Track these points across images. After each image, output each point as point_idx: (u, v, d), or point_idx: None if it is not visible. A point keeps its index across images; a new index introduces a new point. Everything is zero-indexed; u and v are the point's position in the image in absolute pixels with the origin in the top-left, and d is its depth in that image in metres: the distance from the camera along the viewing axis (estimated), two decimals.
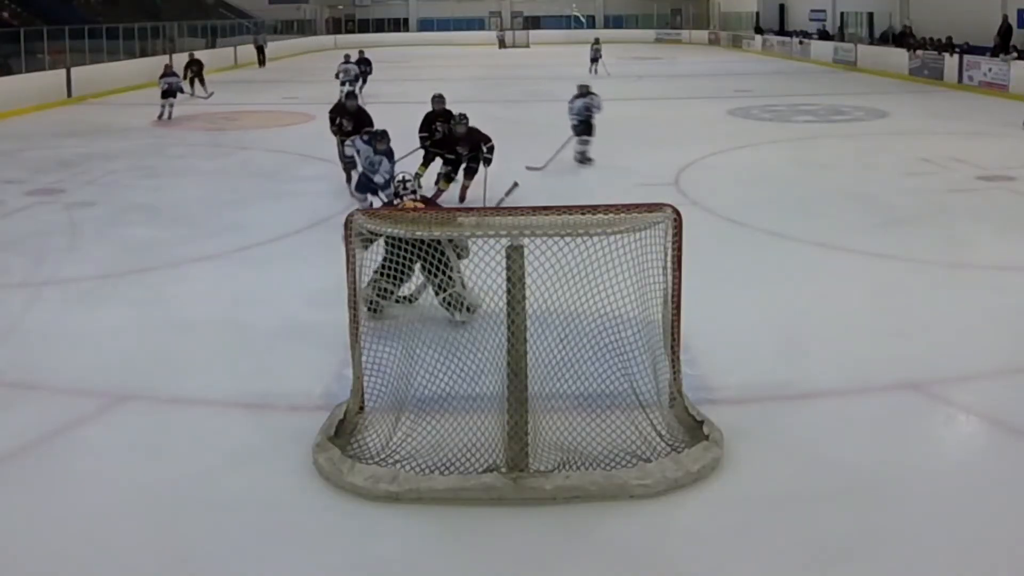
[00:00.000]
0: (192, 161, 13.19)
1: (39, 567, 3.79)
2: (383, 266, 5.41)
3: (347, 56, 21.57)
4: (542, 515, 4.04)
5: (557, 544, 3.86)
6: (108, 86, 22.33)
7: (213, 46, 32.67)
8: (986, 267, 7.58)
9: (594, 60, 27.96)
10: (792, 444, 4.63)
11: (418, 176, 10.18)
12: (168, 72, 17.98)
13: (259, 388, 5.34)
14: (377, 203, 8.67)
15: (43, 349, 6.00)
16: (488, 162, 9.72)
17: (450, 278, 5.87)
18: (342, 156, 10.48)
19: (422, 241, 5.30)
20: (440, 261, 5.69)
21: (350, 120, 10.50)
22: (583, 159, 11.94)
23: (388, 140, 9.03)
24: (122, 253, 8.32)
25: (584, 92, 11.95)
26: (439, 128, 10.16)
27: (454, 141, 9.75)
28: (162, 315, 6.58)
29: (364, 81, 21.67)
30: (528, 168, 11.19)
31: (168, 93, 17.46)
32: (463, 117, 9.76)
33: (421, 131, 10.46)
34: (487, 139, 9.74)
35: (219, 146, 14.49)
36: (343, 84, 20.07)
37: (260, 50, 33.84)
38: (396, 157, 9.71)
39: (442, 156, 9.91)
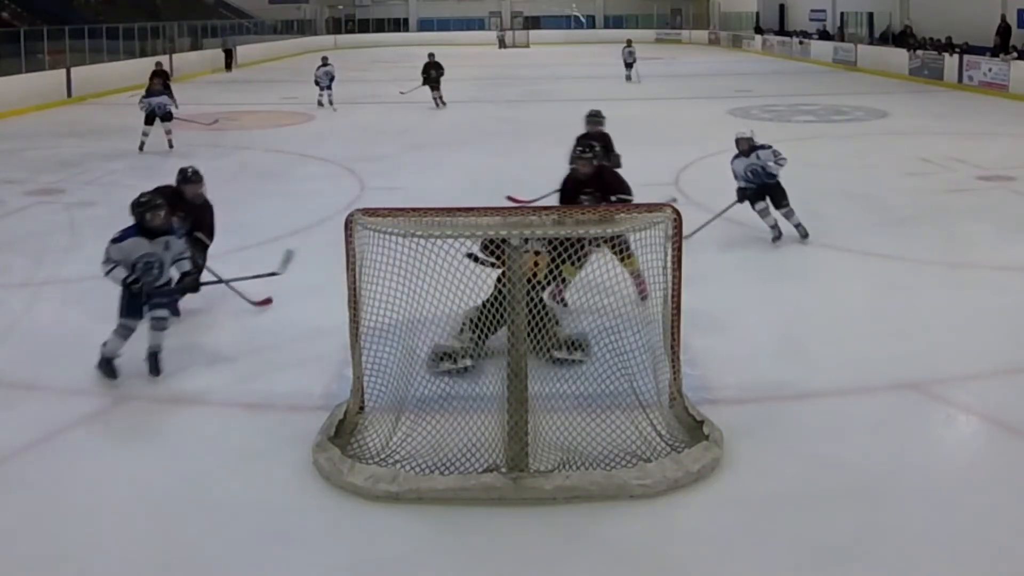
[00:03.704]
0: (192, 161, 13.09)
1: (39, 567, 3.79)
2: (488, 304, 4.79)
3: (324, 59, 20.39)
4: (542, 515, 4.04)
5: (557, 544, 3.86)
6: (108, 86, 22.31)
7: (199, 47, 31.88)
8: (986, 267, 7.58)
9: (629, 65, 25.11)
10: (792, 444, 4.63)
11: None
12: (152, 90, 14.25)
13: (259, 388, 5.35)
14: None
15: (43, 349, 6.00)
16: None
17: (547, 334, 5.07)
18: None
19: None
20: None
21: (184, 216, 6.38)
22: (800, 232, 8.24)
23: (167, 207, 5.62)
24: None
25: (748, 148, 8.05)
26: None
27: (576, 187, 6.58)
28: None
29: (435, 85, 19.10)
30: None
31: (150, 118, 13.93)
32: (588, 148, 6.74)
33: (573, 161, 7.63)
34: (622, 183, 6.76)
35: (219, 146, 14.48)
36: (321, 89, 19.57)
37: (228, 54, 31.88)
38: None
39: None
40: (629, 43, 26.07)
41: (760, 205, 8.13)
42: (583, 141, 7.62)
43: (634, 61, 25.24)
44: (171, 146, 14.07)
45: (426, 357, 5.16)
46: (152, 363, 5.52)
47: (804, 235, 8.18)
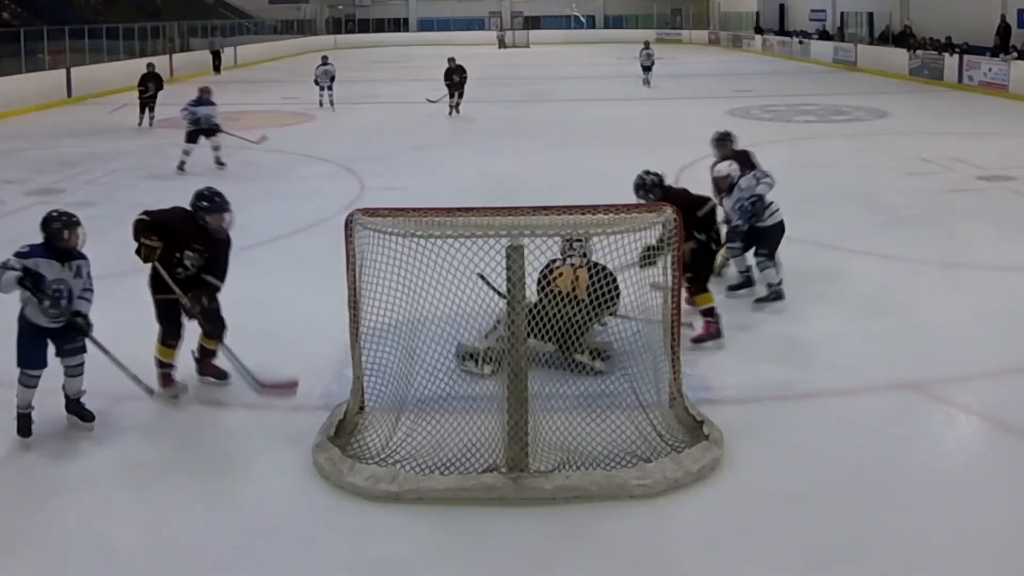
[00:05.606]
0: (192, 161, 13.16)
1: (40, 567, 3.79)
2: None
3: (324, 58, 20.25)
4: (542, 515, 4.04)
5: (557, 544, 3.86)
6: (108, 86, 22.29)
7: (187, 48, 31.11)
8: (986, 267, 7.59)
9: (647, 68, 23.65)
10: (792, 444, 4.63)
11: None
12: (202, 97, 12.13)
13: None
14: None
15: None
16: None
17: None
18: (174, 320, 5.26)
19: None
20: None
21: (201, 251, 5.16)
22: (771, 293, 6.58)
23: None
24: (122, 253, 8.27)
25: (727, 186, 6.63)
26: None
27: None
28: None
29: (460, 93, 17.97)
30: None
31: (194, 134, 11.96)
32: (640, 184, 5.91)
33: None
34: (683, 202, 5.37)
35: (219, 146, 14.45)
36: (321, 89, 19.45)
37: (216, 55, 30.47)
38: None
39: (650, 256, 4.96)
40: (647, 45, 24.54)
41: (734, 247, 6.63)
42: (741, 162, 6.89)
43: (652, 64, 23.81)
44: (221, 164, 12.15)
45: (455, 349, 5.31)
46: (79, 410, 4.86)
47: (776, 297, 6.51)
